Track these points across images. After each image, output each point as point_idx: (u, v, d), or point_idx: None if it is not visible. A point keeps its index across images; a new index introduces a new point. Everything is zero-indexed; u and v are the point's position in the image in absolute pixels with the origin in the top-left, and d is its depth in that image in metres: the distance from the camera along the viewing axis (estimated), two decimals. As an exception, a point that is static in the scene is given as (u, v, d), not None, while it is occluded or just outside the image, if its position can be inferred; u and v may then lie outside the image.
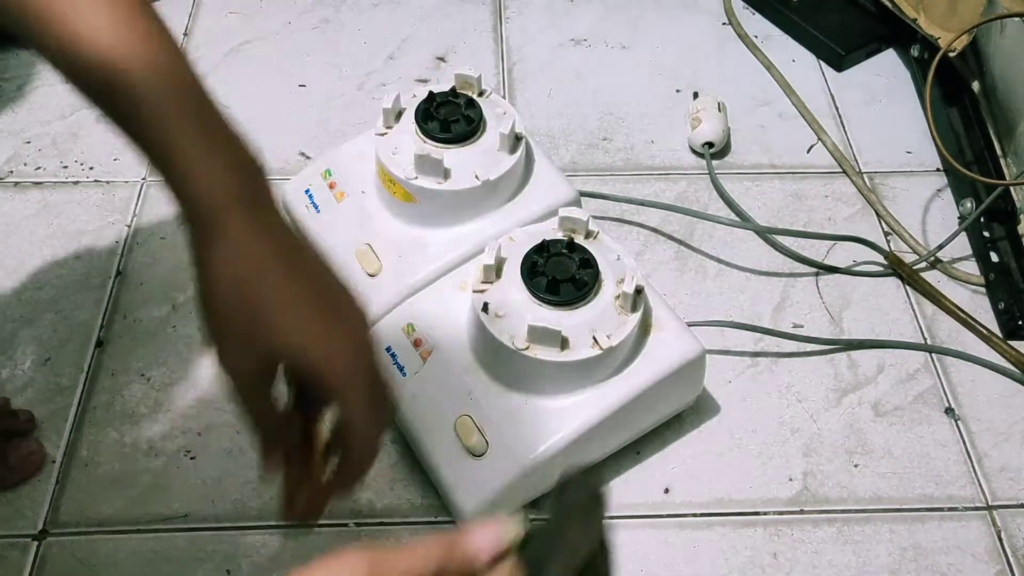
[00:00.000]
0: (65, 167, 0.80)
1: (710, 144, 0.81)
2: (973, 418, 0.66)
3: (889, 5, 0.87)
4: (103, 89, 0.40)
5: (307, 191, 0.69)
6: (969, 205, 0.76)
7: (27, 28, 0.40)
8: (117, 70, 0.39)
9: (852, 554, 0.59)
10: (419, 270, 0.63)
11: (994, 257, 0.74)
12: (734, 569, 0.58)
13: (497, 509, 0.58)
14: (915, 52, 0.87)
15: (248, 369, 0.42)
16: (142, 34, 0.40)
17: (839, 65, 0.91)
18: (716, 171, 0.80)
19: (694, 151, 0.83)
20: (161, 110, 0.39)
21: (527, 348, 0.54)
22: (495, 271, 0.57)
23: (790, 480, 0.63)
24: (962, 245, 0.76)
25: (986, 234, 0.75)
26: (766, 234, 0.76)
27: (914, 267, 0.74)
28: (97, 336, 0.69)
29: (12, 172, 0.80)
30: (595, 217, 0.61)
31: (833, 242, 0.76)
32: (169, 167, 0.40)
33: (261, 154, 0.42)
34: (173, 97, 0.40)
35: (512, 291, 0.56)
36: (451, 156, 0.62)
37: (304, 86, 0.88)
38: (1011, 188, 0.75)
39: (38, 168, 0.80)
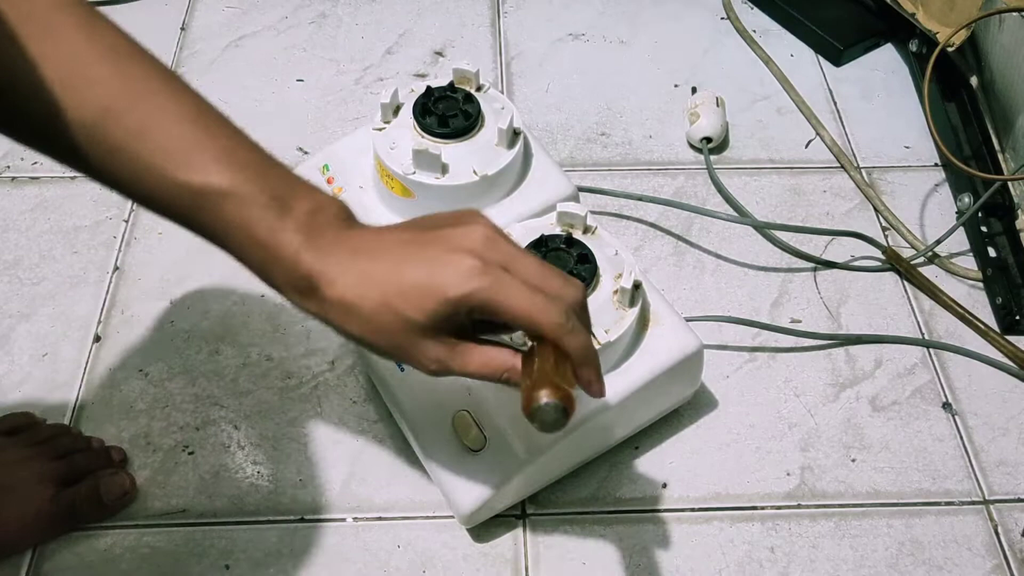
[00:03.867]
0: (62, 162, 0.80)
1: (708, 139, 0.81)
2: (970, 413, 0.66)
3: (888, 0, 0.87)
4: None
5: (305, 186, 0.69)
6: (967, 200, 0.76)
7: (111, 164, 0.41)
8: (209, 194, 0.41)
9: (849, 548, 0.59)
10: (417, 265, 0.63)
11: (992, 252, 0.74)
12: (731, 563, 0.59)
13: (496, 505, 0.58)
14: (913, 47, 0.87)
15: (444, 345, 0.42)
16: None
17: (837, 60, 0.91)
18: (714, 166, 0.80)
19: (692, 146, 0.83)
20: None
21: (525, 344, 0.54)
22: (493, 266, 0.56)
23: (788, 475, 0.63)
24: (960, 240, 0.77)
25: (984, 229, 0.75)
26: (764, 229, 0.76)
27: (912, 262, 0.74)
28: (95, 331, 0.69)
29: (9, 167, 0.80)
30: (593, 212, 0.60)
31: (831, 237, 0.76)
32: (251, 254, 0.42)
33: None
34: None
35: (510, 286, 0.55)
36: (449, 151, 0.62)
37: (302, 81, 0.88)
38: (1009, 183, 0.75)
39: (35, 163, 0.80)
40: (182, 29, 0.93)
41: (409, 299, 0.40)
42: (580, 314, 0.43)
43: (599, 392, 0.44)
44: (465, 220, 0.43)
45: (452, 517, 0.59)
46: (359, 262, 0.41)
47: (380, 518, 0.60)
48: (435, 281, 0.40)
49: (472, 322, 0.44)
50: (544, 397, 0.40)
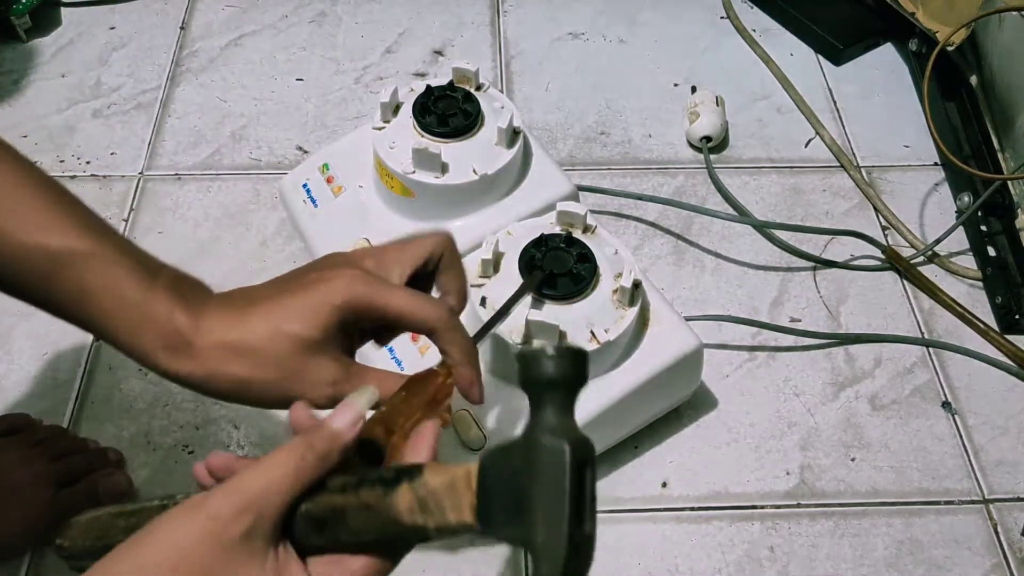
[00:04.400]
0: (62, 161, 0.80)
1: (708, 138, 0.81)
2: (970, 412, 0.66)
3: (887, -1, 0.87)
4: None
5: (304, 185, 0.69)
6: (967, 199, 0.76)
7: None
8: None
9: (849, 547, 0.59)
10: (417, 264, 0.63)
11: (991, 251, 0.74)
12: (731, 562, 0.59)
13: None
14: (913, 46, 0.87)
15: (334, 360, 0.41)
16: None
17: (837, 59, 0.91)
18: (714, 165, 0.80)
19: (692, 145, 0.83)
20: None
21: (525, 342, 0.54)
22: (493, 265, 0.57)
23: (787, 474, 0.63)
24: (959, 239, 0.77)
25: (983, 228, 0.75)
26: (764, 228, 0.76)
27: (911, 261, 0.74)
28: (94, 330, 0.69)
29: (9, 166, 0.79)
30: (593, 211, 0.60)
31: (831, 236, 0.76)
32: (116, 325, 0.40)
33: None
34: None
35: (510, 285, 0.55)
36: (449, 150, 0.62)
37: (301, 80, 0.88)
38: (1008, 182, 0.75)
39: (35, 162, 0.80)
40: (182, 28, 0.93)
41: (298, 319, 0.40)
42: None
43: (477, 396, 0.45)
44: (341, 255, 0.44)
45: (452, 516, 0.59)
46: (235, 308, 0.41)
47: (380, 517, 0.60)
48: (320, 295, 0.41)
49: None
50: (371, 434, 0.39)
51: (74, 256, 0.39)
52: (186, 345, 0.40)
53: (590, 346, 0.54)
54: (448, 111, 0.63)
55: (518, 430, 0.56)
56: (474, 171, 0.62)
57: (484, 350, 0.57)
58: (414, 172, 0.62)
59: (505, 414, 0.57)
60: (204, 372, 0.41)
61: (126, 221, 0.76)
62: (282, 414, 0.64)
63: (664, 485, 0.62)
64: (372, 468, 0.37)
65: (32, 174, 0.42)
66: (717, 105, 0.82)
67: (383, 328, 0.45)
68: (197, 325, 0.40)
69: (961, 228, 0.76)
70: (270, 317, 0.41)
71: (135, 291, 0.40)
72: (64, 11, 0.93)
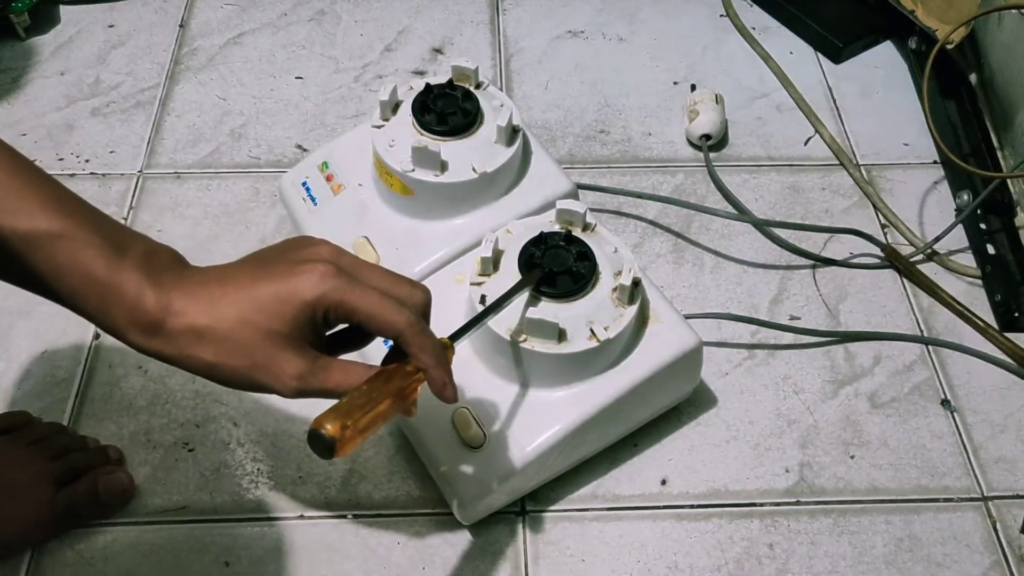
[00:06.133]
0: (61, 159, 0.80)
1: (707, 136, 0.81)
2: (969, 410, 0.66)
3: (887, -3, 0.87)
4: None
5: (304, 184, 0.69)
6: (966, 197, 0.76)
7: None
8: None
9: (848, 545, 0.60)
10: (416, 263, 0.63)
11: (991, 249, 0.74)
12: (730, 560, 0.59)
13: (495, 502, 0.58)
14: (913, 44, 0.87)
15: (304, 358, 0.42)
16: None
17: (837, 57, 0.91)
18: (713, 163, 0.80)
19: (691, 143, 0.83)
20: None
21: (524, 340, 0.54)
22: (492, 264, 0.57)
23: (786, 471, 0.63)
24: (959, 237, 0.77)
25: (983, 226, 0.75)
26: (763, 226, 0.76)
27: (911, 259, 0.74)
28: (94, 329, 0.69)
29: (8, 164, 0.79)
30: (592, 209, 0.61)
31: (830, 234, 0.76)
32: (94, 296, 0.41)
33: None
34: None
35: (510, 284, 0.55)
36: (448, 149, 0.62)
37: (301, 78, 0.88)
38: (1008, 180, 0.75)
39: (34, 160, 0.80)
40: (181, 26, 0.92)
41: (267, 311, 0.41)
42: (427, 318, 0.45)
43: (451, 396, 0.45)
44: (309, 240, 0.45)
45: (452, 514, 0.59)
46: (208, 290, 0.42)
47: (380, 515, 0.60)
48: (290, 289, 0.41)
49: (327, 339, 0.45)
50: (323, 426, 0.40)
51: (45, 237, 0.40)
52: (156, 326, 0.41)
53: (589, 344, 0.54)
54: (447, 109, 0.63)
55: (517, 426, 0.56)
56: (473, 169, 0.62)
57: (481, 347, 0.58)
58: (413, 170, 0.62)
59: (503, 410, 0.57)
60: (174, 351, 0.41)
61: (125, 219, 0.76)
62: (282, 413, 0.64)
63: (664, 483, 0.62)
64: None
65: (6, 158, 0.41)
66: (716, 103, 0.82)
67: (357, 329, 0.45)
68: (167, 306, 0.41)
69: (960, 226, 0.76)
70: (240, 306, 0.41)
71: (103, 270, 0.40)
72: (63, 9, 0.93)
